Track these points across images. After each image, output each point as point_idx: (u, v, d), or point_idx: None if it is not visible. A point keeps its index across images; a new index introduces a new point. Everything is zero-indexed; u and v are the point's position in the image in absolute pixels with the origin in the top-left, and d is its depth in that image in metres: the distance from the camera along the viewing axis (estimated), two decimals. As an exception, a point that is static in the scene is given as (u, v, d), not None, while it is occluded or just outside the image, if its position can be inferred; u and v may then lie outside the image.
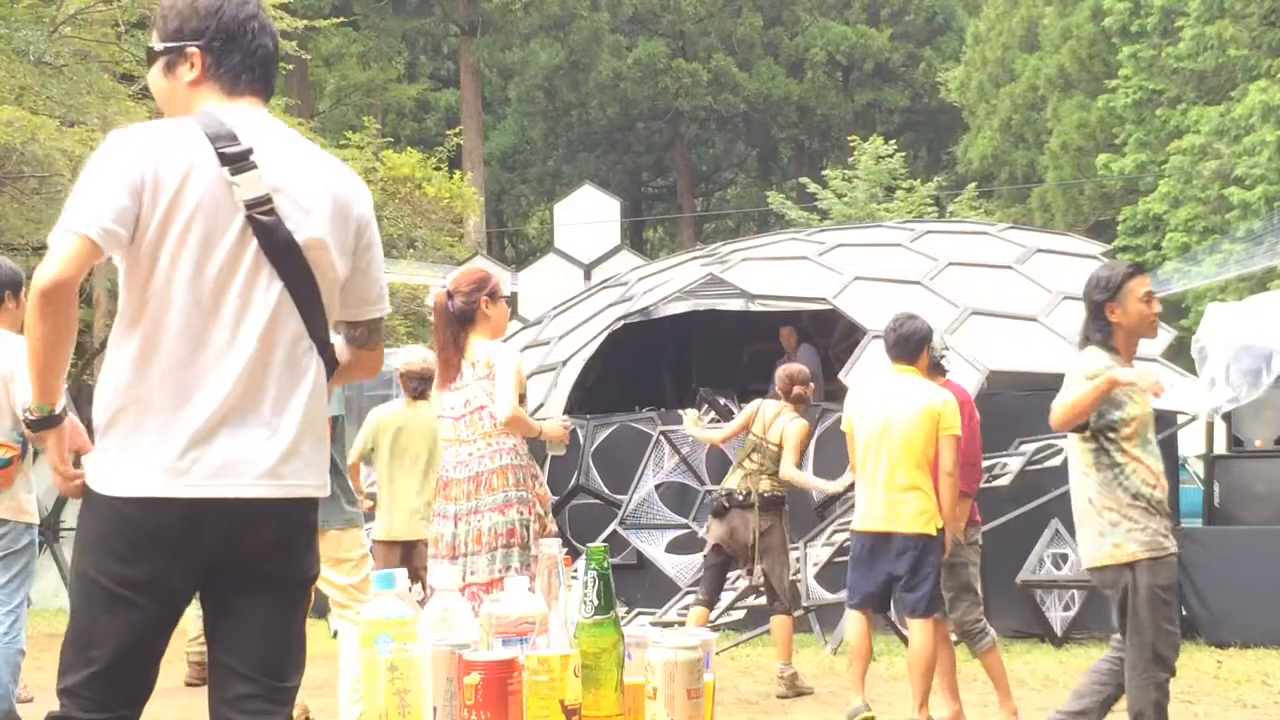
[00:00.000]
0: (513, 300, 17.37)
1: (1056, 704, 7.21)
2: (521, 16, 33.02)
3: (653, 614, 10.08)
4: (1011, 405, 9.91)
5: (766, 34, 35.48)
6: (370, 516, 7.46)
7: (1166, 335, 9.93)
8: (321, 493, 2.80)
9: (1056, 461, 9.63)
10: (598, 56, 34.09)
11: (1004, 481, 9.51)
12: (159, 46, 2.86)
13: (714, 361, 13.47)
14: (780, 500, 7.82)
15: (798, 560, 9.87)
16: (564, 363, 11.90)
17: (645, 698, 2.20)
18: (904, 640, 7.34)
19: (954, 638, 6.52)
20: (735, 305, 11.53)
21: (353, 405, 10.24)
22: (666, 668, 2.18)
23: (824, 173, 26.64)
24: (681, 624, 8.35)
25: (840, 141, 33.25)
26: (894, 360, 6.36)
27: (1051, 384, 10.24)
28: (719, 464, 9.87)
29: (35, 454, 5.88)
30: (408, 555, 7.26)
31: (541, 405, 11.01)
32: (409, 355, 7.75)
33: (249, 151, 2.69)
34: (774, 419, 7.79)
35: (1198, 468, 12.38)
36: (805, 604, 9.68)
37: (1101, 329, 4.84)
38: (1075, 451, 4.85)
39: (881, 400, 6.31)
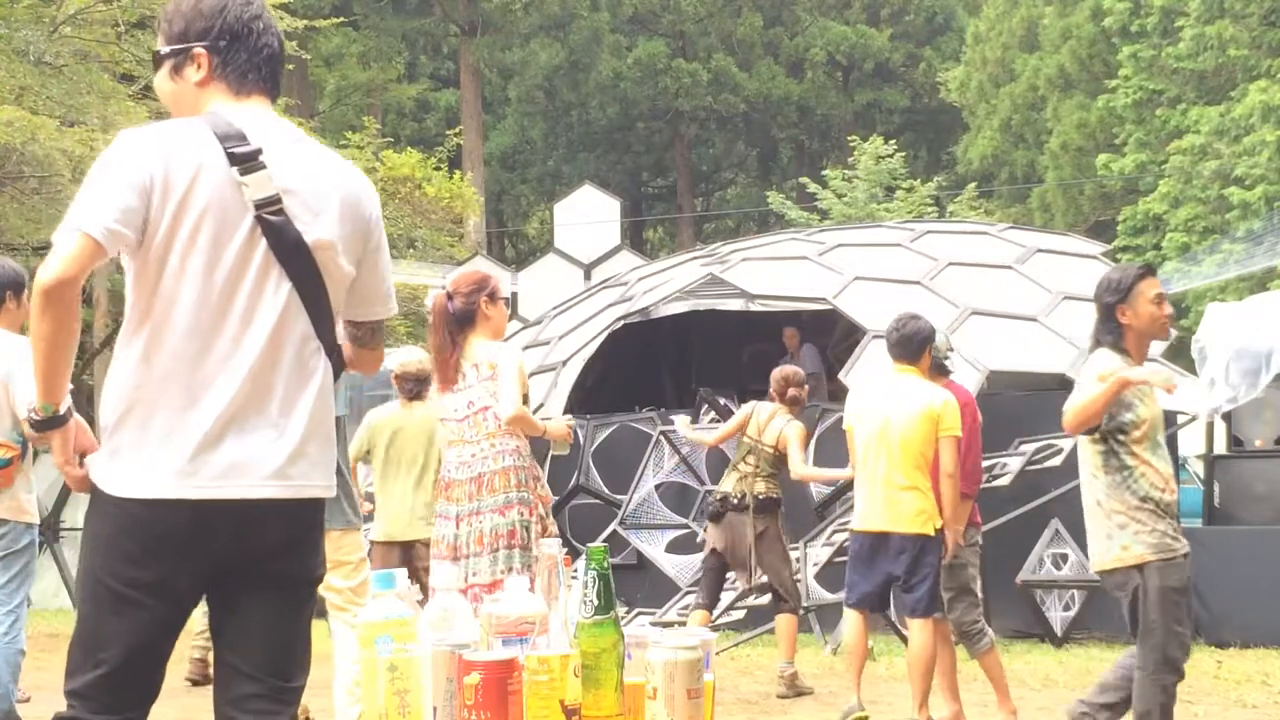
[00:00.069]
0: (513, 300, 17.39)
1: (1056, 704, 7.23)
2: (521, 16, 33.02)
3: (653, 614, 10.08)
4: (1011, 405, 9.92)
5: (766, 34, 35.48)
6: (368, 518, 7.46)
7: (1167, 335, 9.92)
8: (329, 493, 2.80)
9: (1056, 461, 9.65)
10: (598, 56, 34.09)
11: (1004, 481, 9.51)
12: (165, 50, 2.85)
13: (714, 361, 13.48)
14: (776, 502, 7.81)
15: (798, 560, 9.87)
16: (564, 363, 11.90)
17: (645, 698, 2.20)
18: (904, 640, 7.34)
19: (954, 638, 6.52)
20: (735, 305, 11.53)
21: (353, 405, 10.23)
22: (666, 668, 2.18)
23: (824, 173, 26.64)
24: (682, 624, 8.35)
25: (840, 141, 33.25)
26: (895, 360, 6.36)
27: (1051, 384, 10.36)
28: (719, 464, 9.86)
29: (35, 454, 5.88)
30: (406, 556, 7.26)
31: (542, 405, 11.01)
32: (405, 357, 7.73)
33: (258, 152, 2.69)
34: (769, 421, 7.78)
35: (1198, 468, 12.38)
36: (805, 604, 9.68)
37: (1112, 331, 4.83)
38: (1084, 454, 4.84)
39: (881, 400, 6.31)
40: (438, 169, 21.37)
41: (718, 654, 5.48)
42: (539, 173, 36.85)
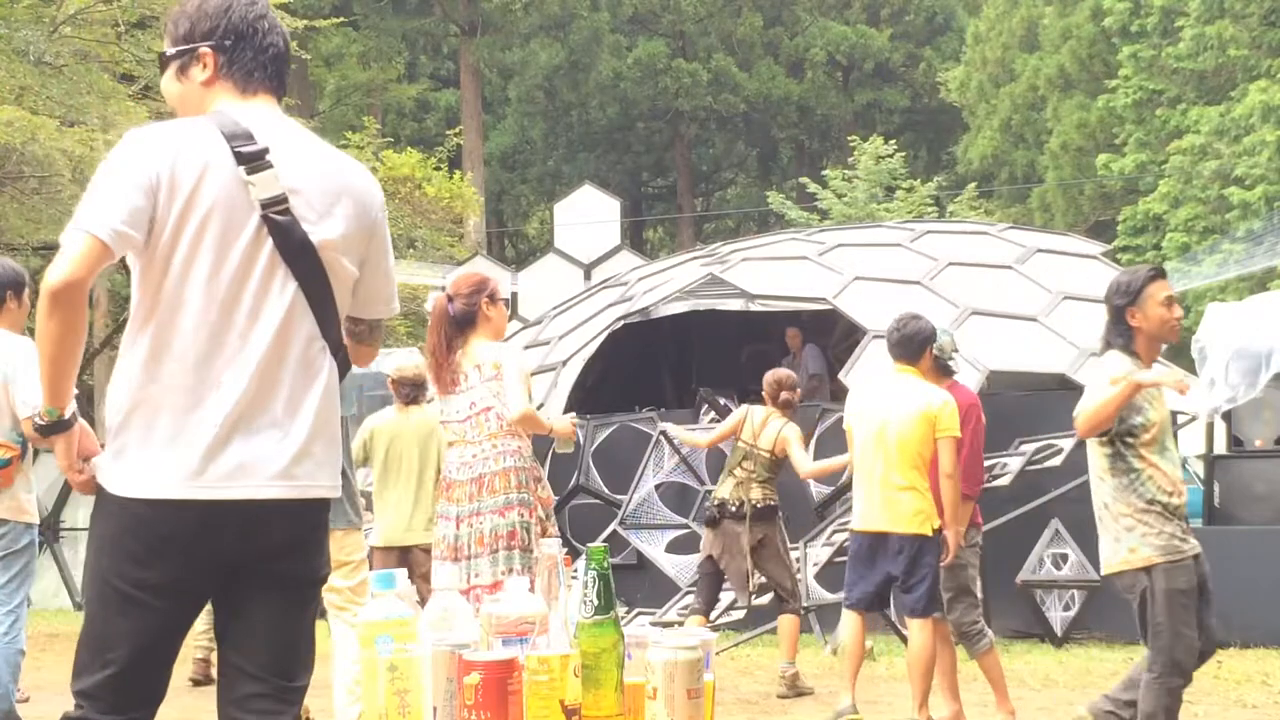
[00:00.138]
0: (513, 300, 17.40)
1: (1056, 704, 7.23)
2: (521, 16, 33.02)
3: (653, 614, 10.08)
4: (1011, 405, 9.92)
5: (766, 34, 35.49)
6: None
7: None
8: (334, 493, 2.80)
9: (1057, 461, 9.65)
10: (598, 56, 34.09)
11: (1004, 481, 9.51)
12: (171, 51, 2.85)
13: (714, 361, 13.48)
14: (774, 509, 7.80)
15: (798, 560, 9.87)
16: (564, 363, 11.91)
17: (645, 698, 2.20)
18: (904, 640, 7.34)
19: (954, 638, 6.52)
20: (735, 305, 11.53)
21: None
22: (666, 668, 2.18)
23: (824, 173, 26.64)
24: (681, 624, 8.35)
25: (840, 141, 33.25)
26: (895, 360, 6.36)
27: (1051, 384, 10.36)
28: (719, 464, 9.86)
29: (35, 454, 5.88)
30: (404, 562, 7.25)
31: (541, 405, 11.01)
32: (401, 361, 7.69)
33: (265, 151, 2.69)
34: (763, 425, 7.76)
35: (1198, 468, 12.38)
36: (805, 604, 9.68)
37: (1123, 334, 4.83)
38: (1092, 456, 4.84)
39: (879, 400, 6.32)
40: (438, 169, 21.38)
41: (718, 654, 5.48)
42: (539, 173, 36.86)
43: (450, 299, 5.47)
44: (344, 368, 2.86)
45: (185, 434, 2.64)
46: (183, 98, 2.85)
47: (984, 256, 11.75)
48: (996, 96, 30.15)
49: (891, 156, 25.39)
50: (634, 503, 10.97)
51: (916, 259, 11.58)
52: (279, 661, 2.75)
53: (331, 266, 2.76)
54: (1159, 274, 4.92)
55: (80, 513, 14.08)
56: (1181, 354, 11.49)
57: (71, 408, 2.72)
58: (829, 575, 9.51)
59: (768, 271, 11.88)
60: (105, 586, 2.66)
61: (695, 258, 13.46)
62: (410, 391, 7.45)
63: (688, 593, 9.81)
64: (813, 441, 9.19)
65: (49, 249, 14.72)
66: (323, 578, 2.87)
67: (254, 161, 2.67)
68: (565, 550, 2.45)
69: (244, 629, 2.75)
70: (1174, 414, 10.13)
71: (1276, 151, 21.76)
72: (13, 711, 5.43)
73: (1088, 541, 9.32)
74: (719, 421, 10.02)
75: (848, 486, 8.33)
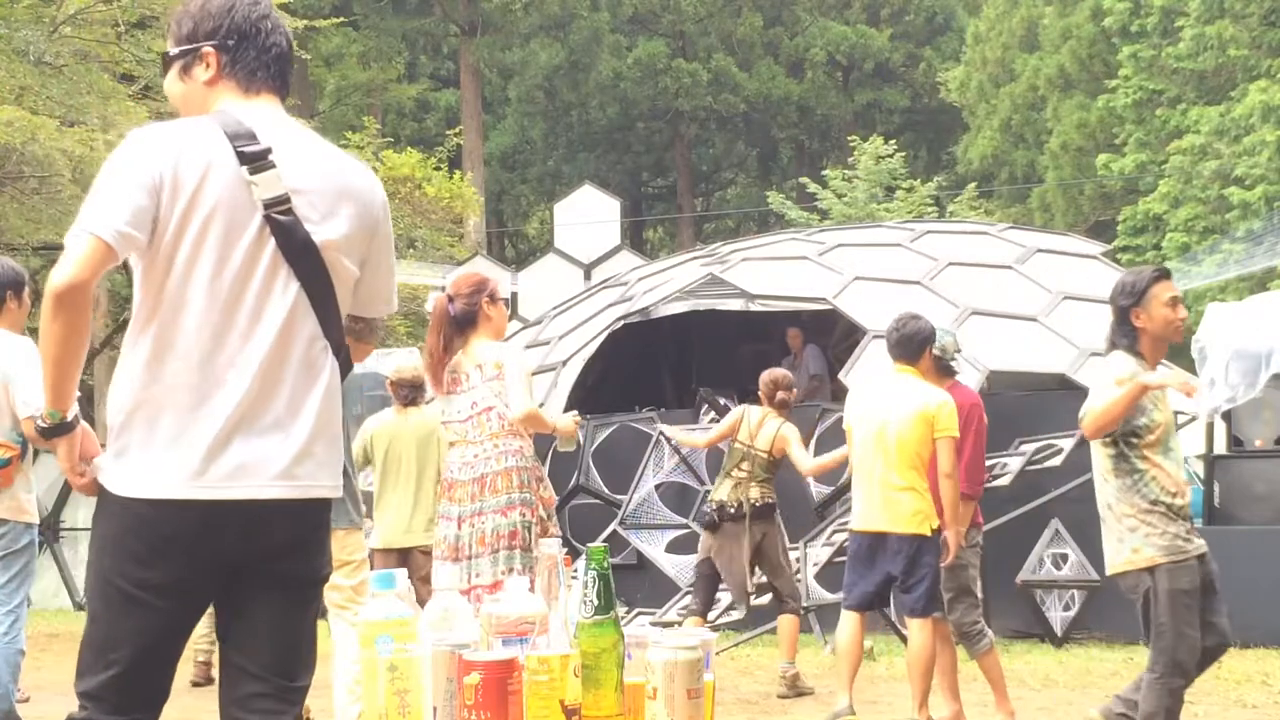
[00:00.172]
0: (513, 300, 17.40)
1: (1056, 704, 7.24)
2: (521, 16, 33.02)
3: (653, 614, 10.08)
4: (1011, 405, 9.92)
5: (766, 34, 35.48)
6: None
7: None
8: (335, 493, 2.80)
9: (1057, 461, 9.65)
10: (598, 56, 34.09)
11: (1004, 481, 9.51)
12: (174, 51, 2.85)
13: (714, 361, 13.47)
14: (772, 508, 7.80)
15: (798, 560, 9.87)
16: (564, 363, 11.90)
17: (645, 698, 2.20)
18: (904, 640, 7.34)
19: (954, 638, 6.52)
20: (735, 305, 11.53)
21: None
22: (666, 668, 2.18)
23: (824, 173, 26.63)
24: (680, 625, 8.35)
25: (840, 141, 33.25)
26: (895, 360, 6.36)
27: (1051, 384, 10.35)
28: (718, 464, 9.86)
29: (35, 454, 5.88)
30: (403, 563, 7.25)
31: (542, 405, 10.97)
32: (400, 362, 7.69)
33: (268, 151, 2.69)
34: (760, 425, 7.75)
35: (1198, 468, 12.38)
36: (805, 604, 9.68)
37: (1127, 334, 4.83)
38: (1096, 457, 4.84)
39: (878, 400, 6.32)
40: (438, 169, 21.38)
41: (718, 654, 5.48)
42: (539, 173, 36.86)
43: (451, 299, 5.47)
44: (346, 368, 2.86)
45: (187, 434, 2.63)
46: (186, 97, 2.85)
47: (984, 256, 11.75)
48: (996, 96, 30.15)
49: (891, 156, 25.39)
50: (634, 503, 10.97)
51: (916, 259, 11.57)
52: (281, 661, 2.74)
53: (333, 266, 2.76)
54: (1164, 275, 4.92)
55: (80, 513, 14.07)
56: (1181, 354, 11.48)
57: (74, 410, 2.71)
58: (829, 575, 9.51)
59: (768, 271, 11.88)
60: (108, 587, 2.66)
61: (695, 258, 13.45)
62: (409, 393, 7.44)
63: (687, 593, 9.80)
64: (813, 441, 9.19)
65: (49, 249, 14.72)
66: (324, 577, 2.86)
67: (257, 161, 2.67)
68: (565, 550, 2.45)
69: (246, 629, 2.74)
70: (1175, 414, 10.13)
71: (1276, 151, 21.76)
72: (13, 711, 5.43)
73: (1088, 541, 9.33)
74: (719, 421, 10.03)
75: (848, 486, 8.32)
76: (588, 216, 19.94)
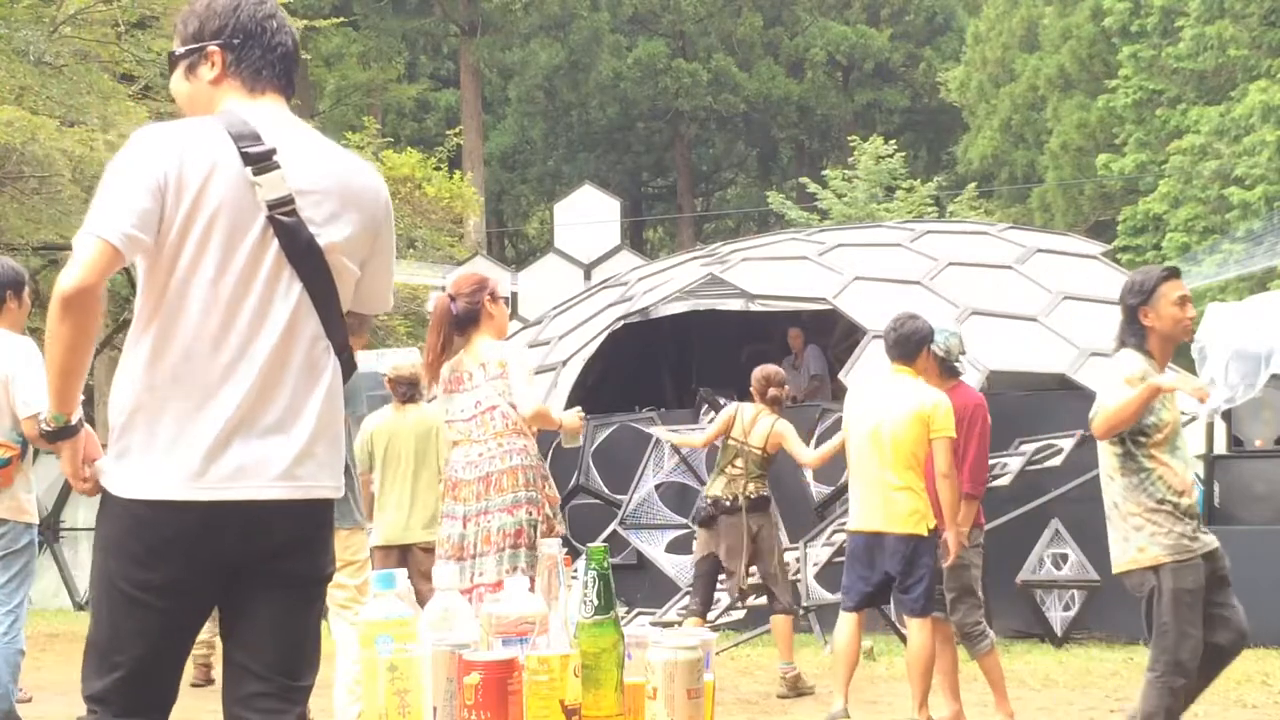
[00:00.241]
0: (513, 300, 17.40)
1: (1056, 704, 7.24)
2: (521, 16, 33.01)
3: (653, 614, 10.09)
4: (1011, 405, 9.91)
5: (766, 34, 35.48)
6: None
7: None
8: (337, 494, 2.80)
9: (1057, 461, 9.66)
10: (598, 56, 34.09)
11: (1004, 481, 9.51)
12: (179, 50, 2.85)
13: (714, 361, 13.47)
14: (767, 500, 7.81)
15: (798, 560, 9.87)
16: (564, 363, 11.91)
17: (645, 698, 2.20)
18: (904, 640, 7.35)
19: (955, 638, 6.52)
20: (735, 305, 11.53)
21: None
22: (666, 668, 2.17)
23: (824, 173, 26.63)
24: (680, 624, 8.35)
25: (840, 141, 33.25)
26: (892, 360, 6.36)
27: (1051, 384, 10.35)
28: (719, 464, 9.87)
29: (35, 454, 5.88)
30: (404, 560, 7.25)
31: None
32: (398, 360, 7.73)
33: (272, 152, 2.69)
34: (753, 423, 7.75)
35: (1198, 468, 12.39)
36: (805, 604, 9.69)
37: (1136, 333, 4.83)
38: (1103, 455, 4.83)
39: (874, 401, 6.32)
40: (438, 169, 21.38)
41: (718, 654, 5.48)
42: (539, 173, 36.85)
43: (453, 298, 5.46)
44: (349, 368, 2.86)
45: (187, 435, 2.63)
46: (191, 97, 2.85)
47: (984, 256, 11.75)
48: (996, 96, 30.15)
49: (891, 156, 25.39)
50: (634, 503, 10.98)
51: (916, 259, 11.58)
52: (284, 660, 2.74)
53: (336, 268, 2.76)
54: (1172, 274, 4.92)
55: (80, 513, 14.08)
56: (1181, 354, 11.48)
57: (78, 413, 2.71)
58: (829, 575, 9.51)
59: (768, 271, 11.88)
60: (111, 588, 2.66)
61: (695, 258, 13.45)
62: (407, 390, 7.47)
63: (687, 593, 9.80)
64: (812, 441, 9.19)
65: (49, 249, 14.72)
66: (328, 576, 2.86)
67: (261, 162, 2.67)
68: (565, 550, 2.45)
69: (249, 628, 2.74)
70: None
71: (1276, 151, 21.75)
72: (12, 711, 5.43)
73: (1088, 541, 9.34)
74: (719, 421, 10.03)
75: (847, 486, 8.32)
76: (588, 216, 19.94)
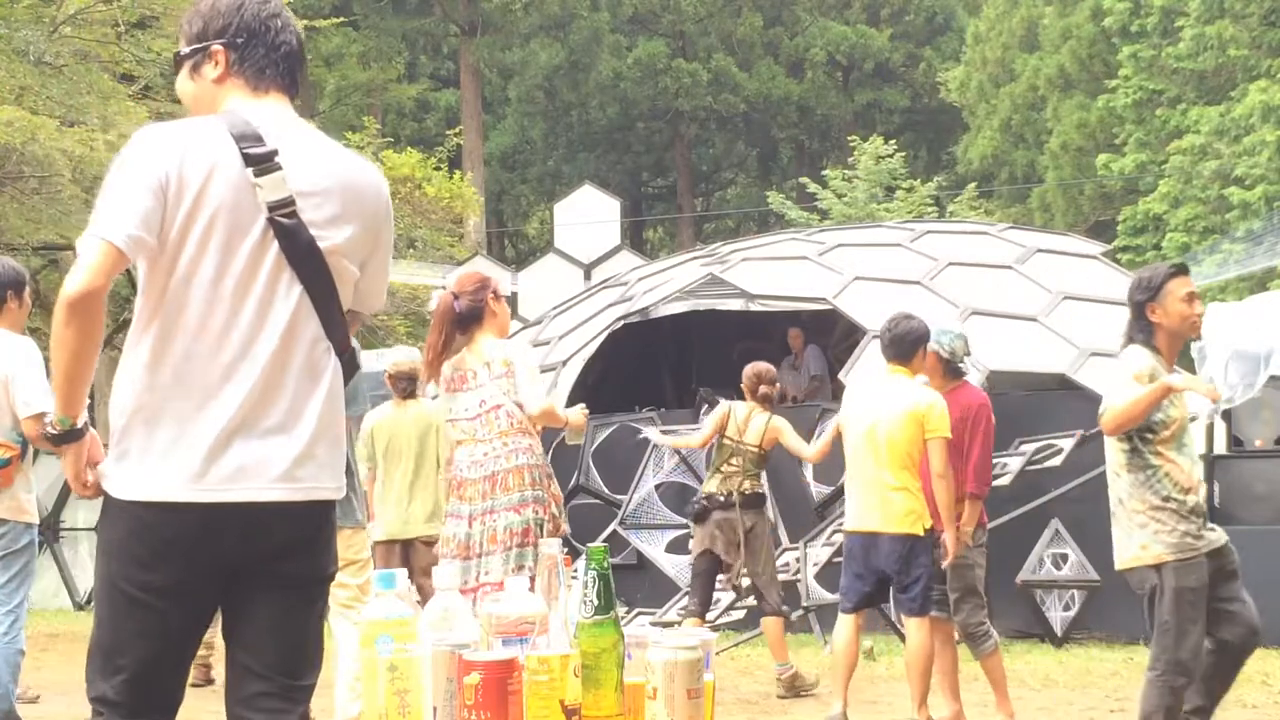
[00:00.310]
0: (513, 300, 17.40)
1: (1056, 704, 7.24)
2: (521, 16, 33.02)
3: (653, 614, 10.09)
4: (1011, 405, 9.91)
5: (766, 34, 35.49)
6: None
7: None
8: (338, 494, 2.80)
9: (1057, 461, 9.65)
10: (598, 56, 34.09)
11: (1004, 481, 9.51)
12: (184, 50, 2.86)
13: (714, 361, 13.47)
14: (762, 497, 7.81)
15: (798, 560, 9.87)
16: (564, 363, 11.91)
17: (645, 698, 2.20)
18: (904, 639, 7.34)
19: (956, 638, 6.51)
20: (735, 305, 11.53)
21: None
22: (666, 668, 2.17)
23: (824, 173, 26.63)
24: (679, 624, 8.34)
25: (840, 141, 33.25)
26: (888, 360, 6.37)
27: (1051, 384, 10.35)
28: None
29: (35, 454, 5.88)
30: (406, 556, 7.27)
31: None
32: (397, 356, 7.80)
33: (274, 153, 2.68)
34: (747, 420, 7.74)
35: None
36: (805, 604, 9.68)
37: (1143, 329, 4.82)
38: (1109, 451, 4.82)
39: (870, 401, 6.33)
40: (438, 169, 21.38)
41: (718, 654, 5.48)
42: (539, 173, 36.85)
43: (456, 296, 5.46)
44: (350, 369, 2.86)
45: (187, 437, 2.63)
46: (195, 97, 2.85)
47: (984, 256, 11.75)
48: (996, 96, 30.15)
49: (891, 156, 25.39)
50: (634, 503, 10.98)
51: (916, 259, 11.58)
52: (285, 660, 2.74)
53: (336, 269, 2.76)
54: (1180, 270, 4.90)
55: (80, 513, 14.08)
56: (1181, 353, 11.49)
57: (84, 417, 2.71)
58: (829, 575, 9.51)
59: (768, 271, 11.88)
60: (113, 590, 2.66)
61: (695, 258, 13.45)
62: (407, 385, 7.53)
63: (687, 592, 9.80)
64: (812, 442, 9.18)
65: (49, 249, 14.72)
66: (330, 576, 2.86)
67: (262, 163, 2.67)
68: (565, 550, 2.45)
69: (250, 629, 2.74)
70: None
71: (1276, 151, 21.75)
72: (12, 711, 5.43)
73: (1088, 541, 9.34)
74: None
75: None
76: (588, 216, 19.94)
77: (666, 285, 12.27)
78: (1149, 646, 4.82)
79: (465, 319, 5.46)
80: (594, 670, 2.14)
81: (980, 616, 6.33)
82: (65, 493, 13.91)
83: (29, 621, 5.80)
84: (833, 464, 8.21)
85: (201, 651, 7.94)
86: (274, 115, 2.77)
